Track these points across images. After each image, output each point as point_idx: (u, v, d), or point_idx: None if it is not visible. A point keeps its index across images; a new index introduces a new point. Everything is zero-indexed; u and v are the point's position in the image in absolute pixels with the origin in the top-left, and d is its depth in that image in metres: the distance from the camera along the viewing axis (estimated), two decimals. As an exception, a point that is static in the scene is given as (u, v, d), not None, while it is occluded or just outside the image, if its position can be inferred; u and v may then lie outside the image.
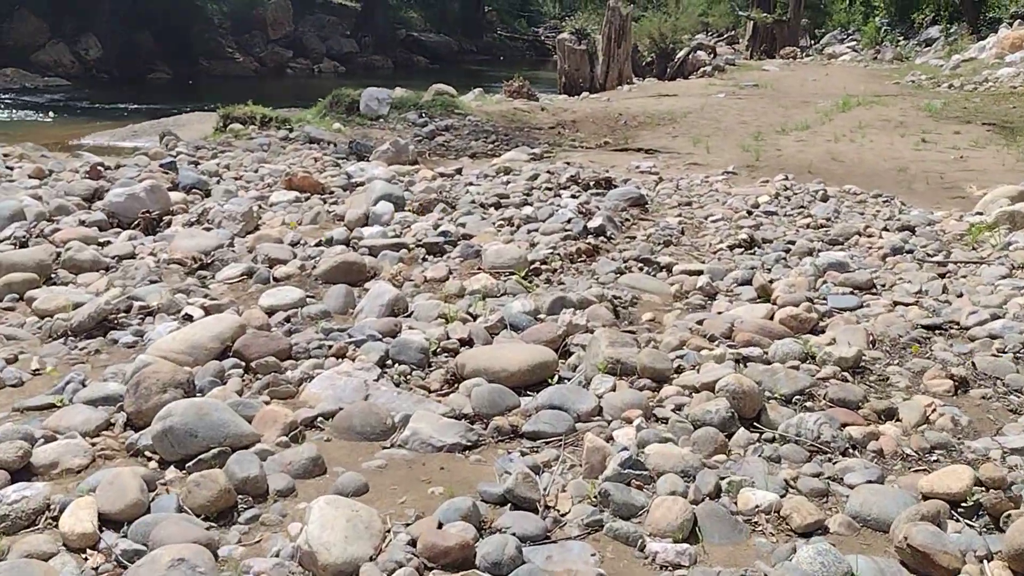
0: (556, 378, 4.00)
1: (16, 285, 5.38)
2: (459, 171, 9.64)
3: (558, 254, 6.14)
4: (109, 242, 6.51)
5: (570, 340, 4.42)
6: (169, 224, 7.18)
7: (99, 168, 8.71)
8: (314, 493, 3.09)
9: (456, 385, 4.00)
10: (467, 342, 4.49)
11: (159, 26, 25.70)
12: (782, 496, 3.03)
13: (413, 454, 3.38)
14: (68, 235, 6.39)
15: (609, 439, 3.40)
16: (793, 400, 3.77)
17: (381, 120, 13.55)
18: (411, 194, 8.02)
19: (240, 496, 3.04)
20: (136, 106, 19.96)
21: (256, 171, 9.44)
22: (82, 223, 6.97)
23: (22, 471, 3.16)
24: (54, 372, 4.15)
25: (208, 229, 6.83)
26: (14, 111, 18.39)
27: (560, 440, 3.44)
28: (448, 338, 4.50)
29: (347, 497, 2.98)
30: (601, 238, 6.68)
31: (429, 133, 12.89)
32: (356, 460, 3.34)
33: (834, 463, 3.28)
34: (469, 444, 3.44)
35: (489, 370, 3.96)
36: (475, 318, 4.87)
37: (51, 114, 18.44)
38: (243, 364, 4.12)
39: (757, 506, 2.94)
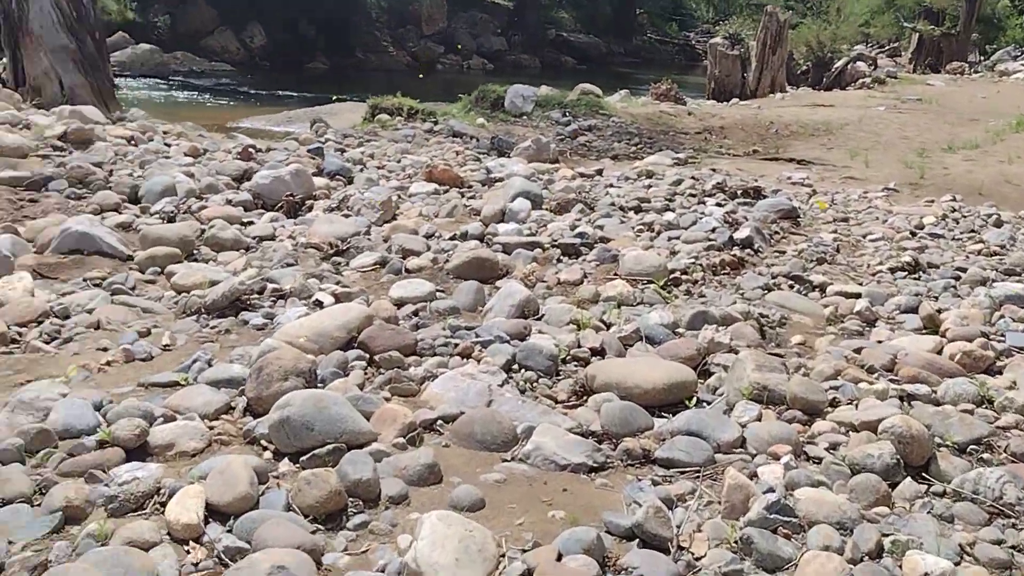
0: (694, 400, 3.65)
1: (159, 259, 5.44)
2: (600, 172, 9.32)
3: (700, 264, 5.75)
4: (252, 222, 6.55)
5: (711, 359, 4.05)
6: (311, 208, 7.18)
7: (250, 150, 8.86)
8: (427, 503, 2.87)
9: (585, 398, 3.71)
10: (599, 352, 4.18)
11: (321, 18, 26.47)
12: (957, 564, 2.59)
13: (534, 470, 3.11)
14: (214, 213, 6.46)
15: (753, 476, 3.02)
16: (968, 450, 3.29)
17: (524, 117, 13.38)
18: (549, 193, 7.76)
19: (351, 499, 2.85)
20: (293, 94, 20.56)
21: (398, 161, 9.41)
22: (228, 202, 7.06)
23: (137, 450, 3.08)
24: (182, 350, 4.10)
25: (347, 216, 6.78)
26: (181, 92, 19.26)
27: (697, 472, 3.09)
28: (579, 346, 4.21)
29: (462, 512, 2.74)
30: (748, 251, 6.23)
31: (571, 132, 12.62)
32: (474, 471, 3.10)
33: (1019, 530, 2.80)
34: (596, 466, 3.14)
35: (621, 385, 3.65)
36: (608, 327, 4.56)
37: (213, 97, 19.20)
38: (367, 357, 3.95)
39: (927, 573, 2.51)
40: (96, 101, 12.34)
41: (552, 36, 32.74)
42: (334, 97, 19.09)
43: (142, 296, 4.90)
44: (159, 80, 20.47)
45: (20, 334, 4.20)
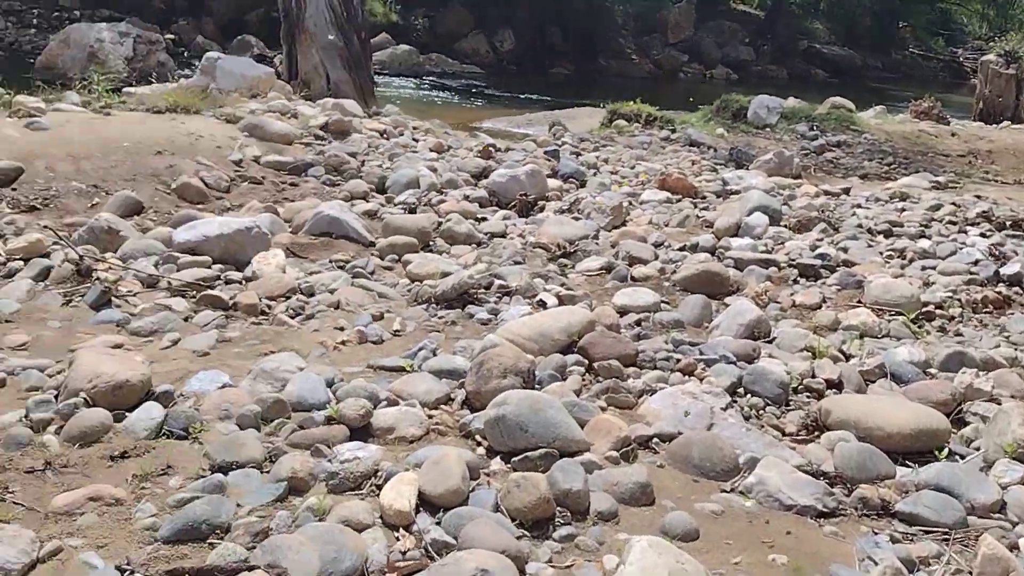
0: (945, 452, 3.24)
1: (398, 247, 5.64)
2: (847, 191, 8.72)
3: (958, 299, 5.17)
4: (485, 219, 6.66)
5: (967, 407, 3.60)
6: (542, 209, 7.21)
7: (491, 149, 9.06)
8: (637, 524, 2.72)
9: (816, 434, 3.40)
10: (835, 385, 3.84)
11: (569, 24, 26.84)
12: None
13: (756, 507, 2.88)
14: (451, 207, 6.63)
15: (1014, 548, 2.63)
16: None
17: (768, 129, 12.81)
18: (789, 209, 7.34)
19: (559, 508, 2.75)
20: (536, 97, 20.97)
21: (632, 168, 9.27)
22: (466, 198, 7.23)
23: (360, 430, 3.15)
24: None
25: (577, 219, 6.74)
26: (432, 92, 20.18)
27: (945, 534, 2.73)
28: (813, 376, 3.89)
29: (673, 541, 2.57)
30: (1016, 288, 5.54)
31: (818, 148, 11.92)
32: (689, 497, 2.91)
33: None
34: (826, 511, 2.86)
35: (860, 424, 3.31)
36: (848, 358, 4.19)
37: (461, 98, 19.96)
38: (586, 363, 3.85)
39: None
40: (357, 96, 13.15)
41: (804, 47, 31.29)
42: (574, 103, 19.36)
43: (379, 281, 5.09)
44: (414, 79, 21.55)
45: (269, 307, 4.48)
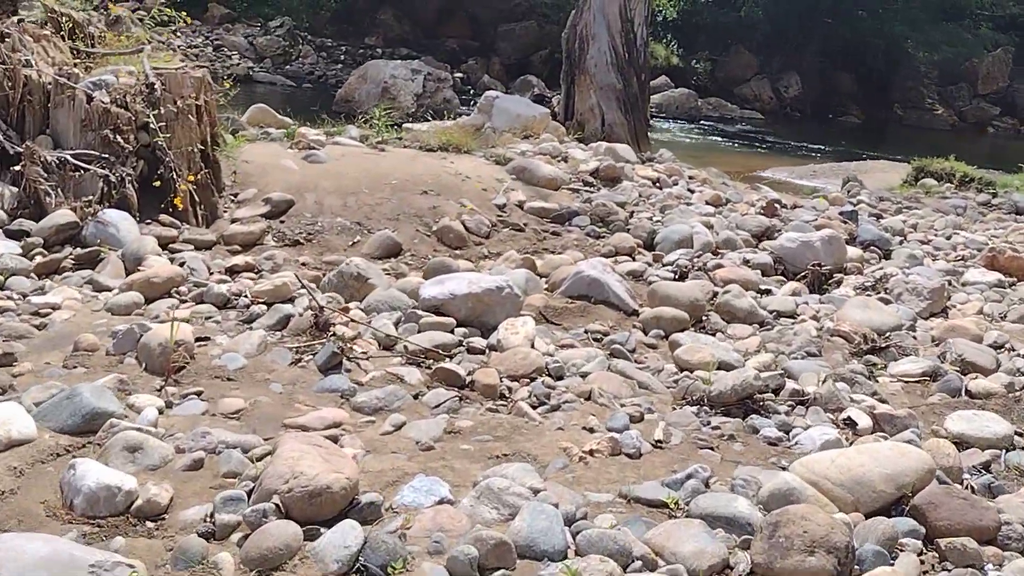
0: None
1: (665, 321, 4.73)
2: None
3: None
4: (770, 291, 5.58)
5: None
6: (839, 284, 6.01)
7: (775, 205, 7.92)
8: None
9: None
10: None
11: (862, 69, 24.66)
12: None
13: None
14: (729, 275, 5.63)
15: None
16: None
17: (1117, 199, 10.50)
18: None
19: None
20: (820, 146, 19.26)
21: (948, 238, 7.72)
22: (746, 262, 6.20)
23: (603, 606, 2.28)
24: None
25: (885, 301, 5.47)
26: (709, 136, 19.12)
27: None
28: None
29: None
30: None
31: None
32: None
33: None
34: None
35: None
36: None
37: (739, 144, 18.73)
38: (922, 532, 2.73)
39: None
40: (630, 139, 12.47)
41: None
42: (865, 155, 17.48)
43: (641, 365, 4.21)
44: (690, 124, 20.61)
45: (510, 389, 3.75)
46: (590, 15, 12.38)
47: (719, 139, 19.04)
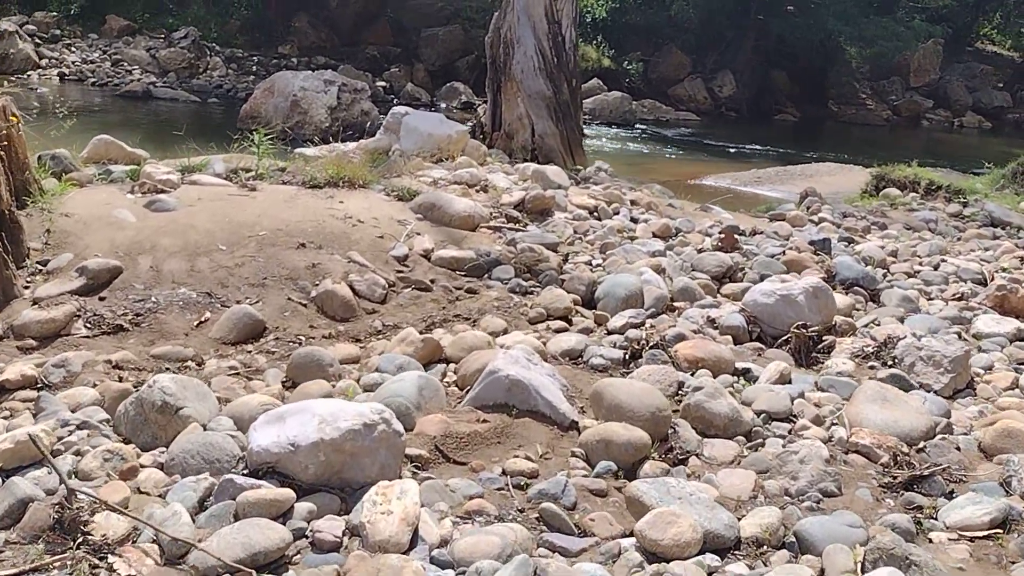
0: None
1: (616, 448, 3.20)
2: None
3: None
4: (748, 372, 4.13)
5: None
6: (831, 350, 4.60)
7: (734, 236, 6.52)
8: None
9: None
10: None
11: (796, 66, 23.63)
12: None
13: None
14: (695, 352, 4.16)
15: None
16: None
17: (1093, 204, 9.40)
18: None
19: None
20: (758, 147, 18.13)
21: (936, 267, 6.42)
22: (712, 323, 4.77)
23: None
24: None
25: (896, 377, 4.05)
26: (645, 144, 17.80)
27: None
28: None
29: None
30: None
31: None
32: None
33: None
34: None
35: None
36: None
37: (677, 149, 17.46)
38: None
39: None
40: (563, 150, 11.06)
41: (1071, 91, 26.23)
42: (807, 156, 16.34)
43: (586, 543, 2.71)
44: (624, 128, 19.27)
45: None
46: (514, 17, 10.91)
47: (656, 144, 17.73)
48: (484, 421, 3.40)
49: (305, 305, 4.86)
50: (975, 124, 24.17)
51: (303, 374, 3.99)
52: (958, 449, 3.36)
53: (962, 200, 9.09)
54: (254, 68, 20.46)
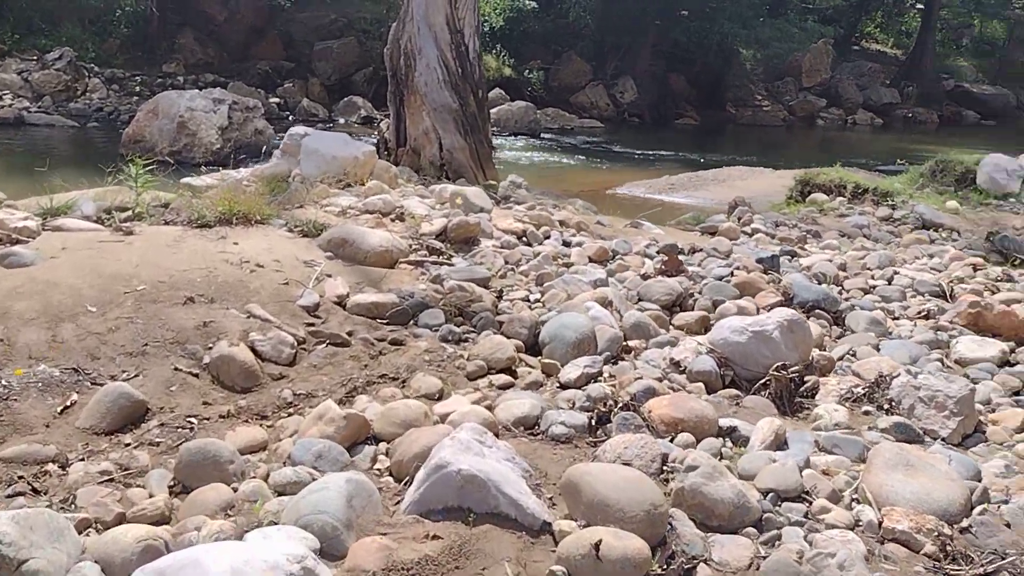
0: None
1: (610, 567, 2.50)
2: None
3: None
4: (735, 431, 3.47)
5: None
6: (815, 392, 4.00)
7: (677, 258, 5.92)
8: None
9: None
10: None
11: (694, 71, 23.58)
12: None
13: None
14: (671, 413, 3.47)
15: None
16: None
17: (1012, 200, 9.27)
18: None
19: None
20: (663, 153, 17.85)
21: (890, 280, 5.97)
22: (678, 368, 4.12)
23: None
24: None
25: (907, 435, 3.47)
26: (552, 153, 17.25)
27: None
28: None
29: None
30: None
31: (1102, 227, 8.31)
32: None
33: None
34: None
35: None
36: None
37: (586, 157, 16.99)
38: None
39: None
40: (473, 164, 10.31)
41: (950, 87, 27.17)
42: (717, 160, 16.09)
43: None
44: (531, 138, 18.70)
45: None
46: (414, 27, 10.09)
47: (564, 154, 17.21)
48: (435, 537, 2.62)
49: (196, 375, 3.97)
50: (867, 121, 24.67)
51: (195, 476, 3.13)
52: (1008, 526, 2.76)
53: (890, 203, 8.81)
54: (137, 88, 18.98)
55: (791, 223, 8.11)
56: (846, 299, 5.44)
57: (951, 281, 5.83)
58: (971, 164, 9.79)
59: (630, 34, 22.80)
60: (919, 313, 5.24)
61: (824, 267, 6.07)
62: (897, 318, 5.20)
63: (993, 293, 5.65)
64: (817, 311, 5.09)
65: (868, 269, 6.22)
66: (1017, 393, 4.04)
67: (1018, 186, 9.45)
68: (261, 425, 3.67)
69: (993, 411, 3.82)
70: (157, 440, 3.52)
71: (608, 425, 3.47)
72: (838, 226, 8.07)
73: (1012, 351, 4.56)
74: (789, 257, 6.50)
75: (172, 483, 3.18)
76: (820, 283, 5.68)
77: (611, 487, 2.72)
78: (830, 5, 26.55)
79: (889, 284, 5.86)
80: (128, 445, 3.48)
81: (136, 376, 3.86)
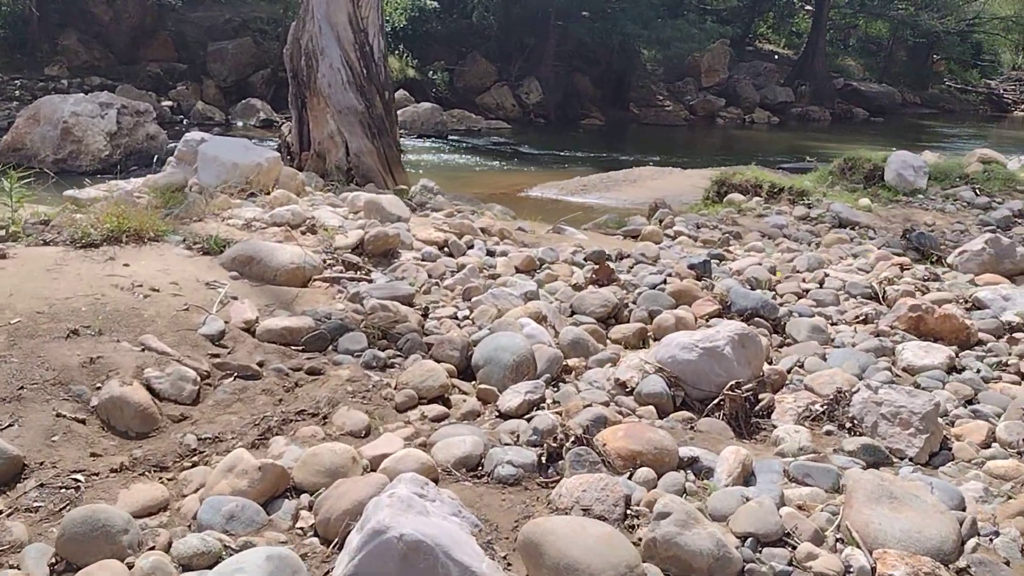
0: None
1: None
2: None
3: None
4: (696, 463, 3.15)
5: None
6: (770, 411, 3.74)
7: (608, 267, 5.61)
8: None
9: None
10: None
11: (597, 71, 23.55)
12: None
13: None
14: (628, 445, 3.13)
15: None
16: None
17: (920, 196, 9.38)
18: None
19: None
20: (571, 153, 17.70)
21: (821, 283, 5.82)
22: (625, 389, 3.79)
23: None
24: None
25: (875, 458, 3.23)
26: (460, 155, 16.85)
27: None
28: None
29: None
30: None
31: (1003, 221, 8.46)
32: None
33: None
34: None
35: None
36: None
37: (495, 159, 16.67)
38: None
39: None
40: (382, 168, 9.82)
41: (840, 86, 28.06)
42: (615, 158, 16.02)
43: None
44: (438, 140, 18.24)
45: None
46: (315, 26, 9.53)
47: (472, 155, 16.83)
48: (378, 621, 2.19)
49: (83, 421, 3.41)
50: (764, 120, 25.18)
51: (82, 551, 2.61)
52: (1007, 563, 2.52)
53: (806, 202, 8.77)
54: (17, 93, 17.62)
55: (711, 224, 7.96)
56: (781, 304, 5.23)
57: (881, 282, 5.70)
58: (878, 161, 9.88)
59: (534, 35, 22.61)
60: (856, 318, 5.07)
61: (756, 271, 5.87)
62: (835, 323, 5.03)
63: (924, 293, 5.55)
64: (756, 319, 4.86)
65: (798, 272, 6.06)
66: (970, 402, 3.87)
67: (924, 183, 9.58)
68: (161, 479, 3.15)
69: (952, 424, 3.63)
70: (36, 505, 2.96)
71: (560, 462, 3.10)
72: (758, 227, 7.95)
73: (956, 355, 4.43)
74: (717, 261, 6.30)
75: (54, 560, 2.65)
76: (754, 288, 5.47)
77: (579, 547, 2.35)
78: (725, 6, 27.01)
79: (821, 287, 5.70)
80: (0, 513, 2.91)
81: (10, 426, 3.28)
